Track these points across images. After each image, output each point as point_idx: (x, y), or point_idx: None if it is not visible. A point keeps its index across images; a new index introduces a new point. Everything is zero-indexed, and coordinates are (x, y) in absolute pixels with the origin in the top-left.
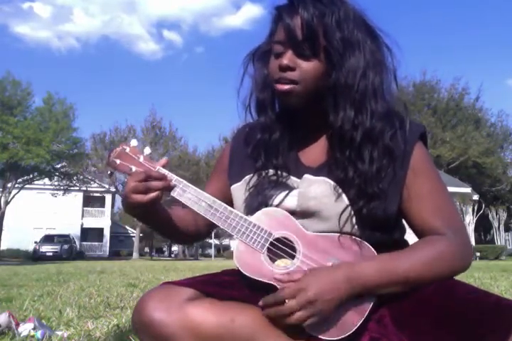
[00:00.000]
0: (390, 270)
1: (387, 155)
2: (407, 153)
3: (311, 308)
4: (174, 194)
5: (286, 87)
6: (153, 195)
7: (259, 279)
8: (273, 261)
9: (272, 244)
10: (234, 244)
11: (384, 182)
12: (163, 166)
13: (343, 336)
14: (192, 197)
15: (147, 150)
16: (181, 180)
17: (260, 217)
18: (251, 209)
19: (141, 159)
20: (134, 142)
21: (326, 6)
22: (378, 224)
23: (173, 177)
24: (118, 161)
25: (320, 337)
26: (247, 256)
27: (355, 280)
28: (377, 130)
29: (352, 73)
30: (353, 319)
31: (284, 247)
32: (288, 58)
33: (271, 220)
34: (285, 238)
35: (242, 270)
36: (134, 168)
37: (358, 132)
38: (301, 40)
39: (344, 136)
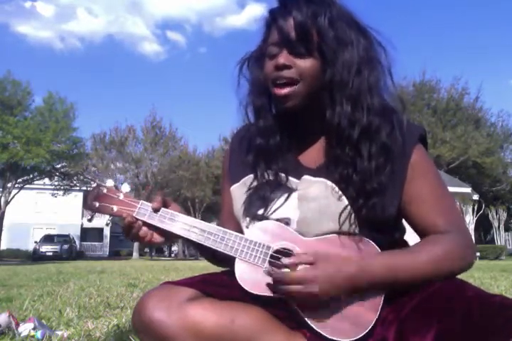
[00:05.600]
0: (397, 268)
1: (385, 153)
2: (406, 155)
3: (309, 287)
4: (163, 225)
5: (284, 90)
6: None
7: (267, 295)
8: None
9: (272, 256)
10: (235, 264)
11: (383, 179)
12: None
13: (361, 334)
14: (182, 226)
15: (126, 187)
16: (168, 210)
17: (255, 232)
18: (250, 214)
19: (121, 197)
20: (110, 182)
21: (318, 7)
22: (378, 225)
23: (160, 209)
24: (97, 204)
25: (337, 339)
26: (249, 275)
27: (363, 277)
28: (375, 126)
29: (346, 69)
30: (368, 316)
31: (285, 257)
32: (284, 57)
33: (266, 233)
34: (284, 248)
35: (248, 290)
36: (115, 208)
37: (356, 129)
38: (296, 40)
39: (342, 133)
